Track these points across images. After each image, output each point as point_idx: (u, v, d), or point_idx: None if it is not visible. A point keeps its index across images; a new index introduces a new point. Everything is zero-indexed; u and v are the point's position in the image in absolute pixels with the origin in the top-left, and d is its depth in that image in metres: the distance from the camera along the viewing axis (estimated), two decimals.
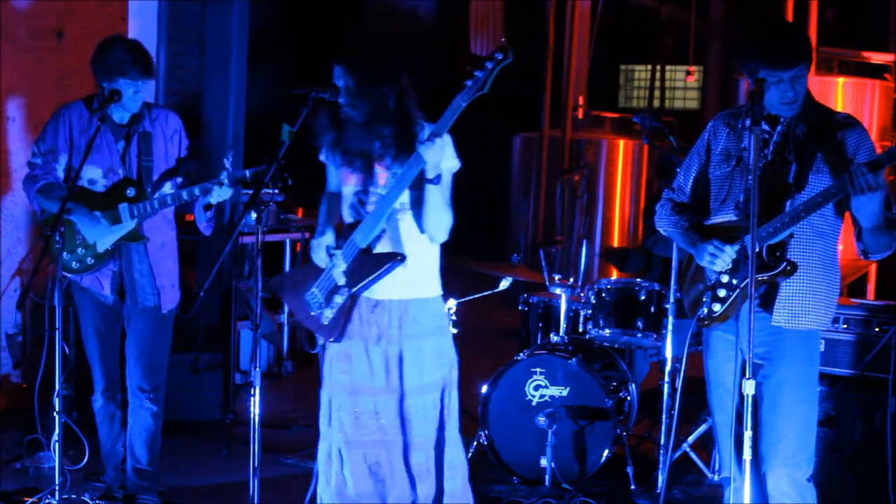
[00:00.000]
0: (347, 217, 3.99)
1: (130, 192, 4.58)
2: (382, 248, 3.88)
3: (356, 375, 3.96)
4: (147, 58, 4.59)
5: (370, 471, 3.95)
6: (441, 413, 3.97)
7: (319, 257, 3.99)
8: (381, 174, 3.89)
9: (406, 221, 3.90)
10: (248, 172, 4.40)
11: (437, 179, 3.74)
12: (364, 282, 3.86)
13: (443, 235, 3.89)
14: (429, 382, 3.95)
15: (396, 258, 3.83)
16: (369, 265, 3.84)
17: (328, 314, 3.94)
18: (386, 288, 3.91)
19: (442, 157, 3.71)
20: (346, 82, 3.84)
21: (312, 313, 3.99)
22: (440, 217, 3.82)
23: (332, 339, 3.95)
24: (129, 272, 4.67)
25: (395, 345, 3.92)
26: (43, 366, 4.50)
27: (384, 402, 3.94)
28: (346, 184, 3.98)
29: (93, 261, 4.62)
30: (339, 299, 3.91)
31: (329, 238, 3.99)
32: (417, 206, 3.85)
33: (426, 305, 3.98)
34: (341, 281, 3.90)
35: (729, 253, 3.74)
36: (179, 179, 4.71)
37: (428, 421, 3.94)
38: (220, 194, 4.42)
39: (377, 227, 3.84)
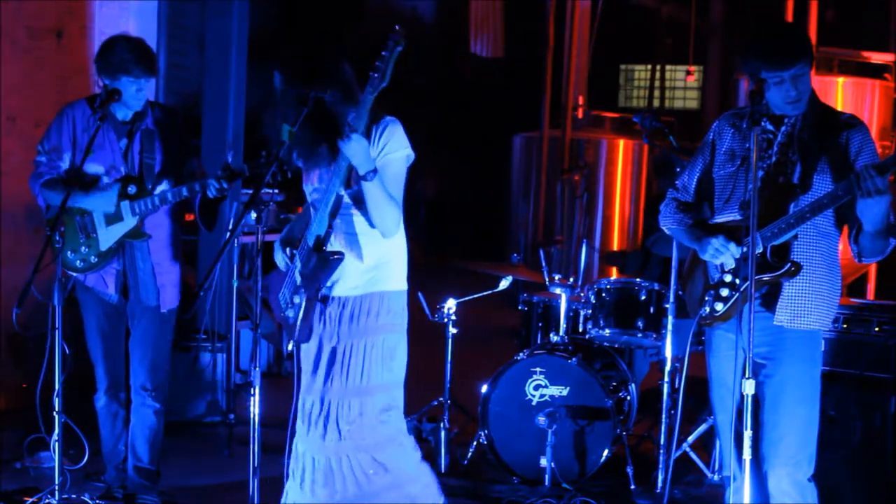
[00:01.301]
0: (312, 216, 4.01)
1: (132, 189, 4.58)
2: (335, 244, 3.86)
3: (308, 375, 3.96)
4: (150, 56, 4.60)
5: (325, 474, 3.92)
6: (389, 415, 3.92)
7: (279, 258, 4.02)
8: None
9: (359, 216, 3.86)
10: (246, 167, 4.41)
11: (370, 176, 3.68)
12: (315, 283, 3.84)
13: (391, 229, 3.83)
14: (377, 383, 3.89)
15: (335, 256, 3.80)
16: (318, 266, 3.82)
17: (291, 314, 3.93)
18: (345, 284, 3.89)
19: (365, 154, 3.66)
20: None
21: (282, 314, 4.00)
22: (383, 212, 3.77)
23: (296, 340, 3.94)
24: (132, 270, 4.67)
25: (347, 340, 3.88)
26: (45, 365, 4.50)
27: (330, 401, 3.90)
28: (307, 182, 3.99)
29: (96, 259, 4.62)
30: (297, 300, 3.90)
31: (287, 237, 4.02)
32: (359, 202, 3.82)
33: (385, 299, 3.92)
34: (299, 281, 3.90)
35: (733, 251, 3.74)
36: (181, 176, 4.71)
37: (376, 424, 3.88)
38: (220, 189, 4.43)
39: (323, 225, 3.82)
